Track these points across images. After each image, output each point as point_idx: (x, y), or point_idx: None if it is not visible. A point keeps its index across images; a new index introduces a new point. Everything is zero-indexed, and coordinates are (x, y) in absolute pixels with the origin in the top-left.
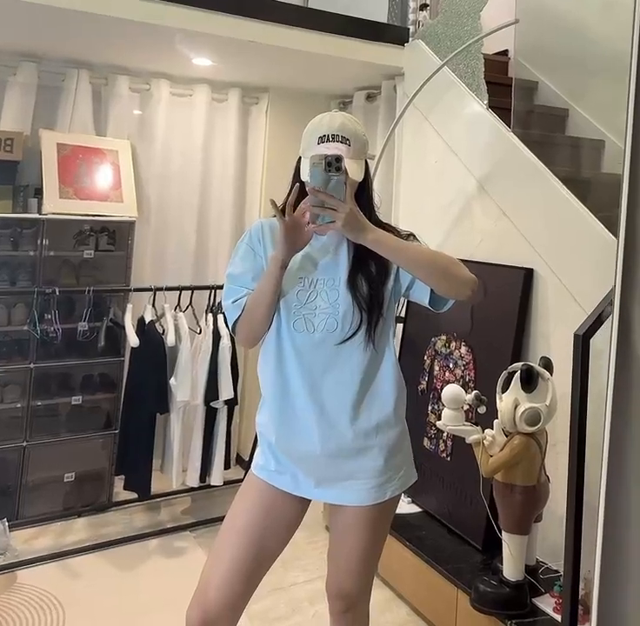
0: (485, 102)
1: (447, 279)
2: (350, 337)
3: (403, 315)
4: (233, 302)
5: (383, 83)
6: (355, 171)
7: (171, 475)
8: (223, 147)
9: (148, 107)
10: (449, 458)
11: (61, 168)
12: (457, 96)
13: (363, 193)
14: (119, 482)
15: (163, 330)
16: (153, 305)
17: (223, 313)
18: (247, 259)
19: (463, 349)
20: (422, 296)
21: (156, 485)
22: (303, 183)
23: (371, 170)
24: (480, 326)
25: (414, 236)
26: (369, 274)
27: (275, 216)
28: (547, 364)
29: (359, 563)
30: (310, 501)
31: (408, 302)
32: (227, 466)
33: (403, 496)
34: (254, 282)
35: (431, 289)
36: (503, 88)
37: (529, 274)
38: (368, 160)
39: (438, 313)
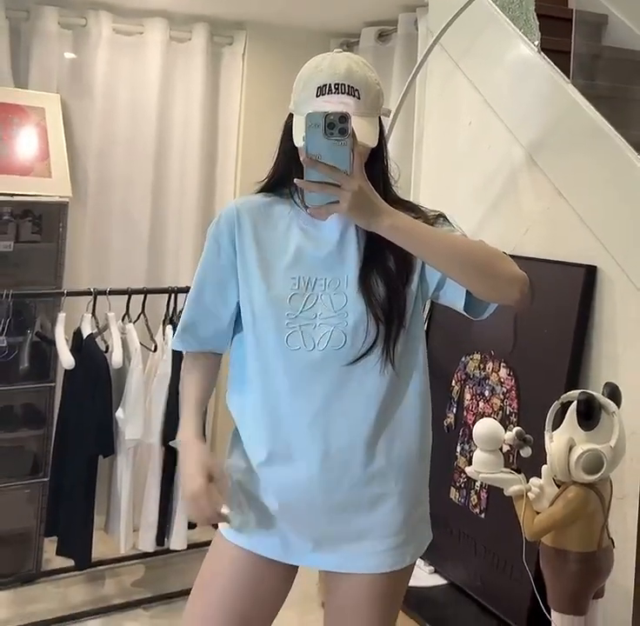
0: (537, 43)
1: (488, 278)
2: (362, 356)
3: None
4: (182, 329)
5: (400, 17)
6: (366, 133)
7: (119, 536)
8: (186, 104)
9: (83, 49)
10: (483, 515)
11: None
12: (500, 35)
13: (376, 163)
14: (50, 545)
15: (107, 347)
16: (93, 314)
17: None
18: (210, 263)
19: (503, 373)
20: (455, 298)
21: (99, 549)
22: (296, 149)
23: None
24: (525, 342)
25: (444, 217)
26: (386, 272)
27: (258, 191)
28: (613, 393)
29: None
30: (297, 567)
31: (430, 310)
32: (192, 525)
33: (422, 564)
34: (215, 294)
35: (467, 290)
36: (560, 23)
37: (591, 273)
38: (382, 117)
39: (476, 321)
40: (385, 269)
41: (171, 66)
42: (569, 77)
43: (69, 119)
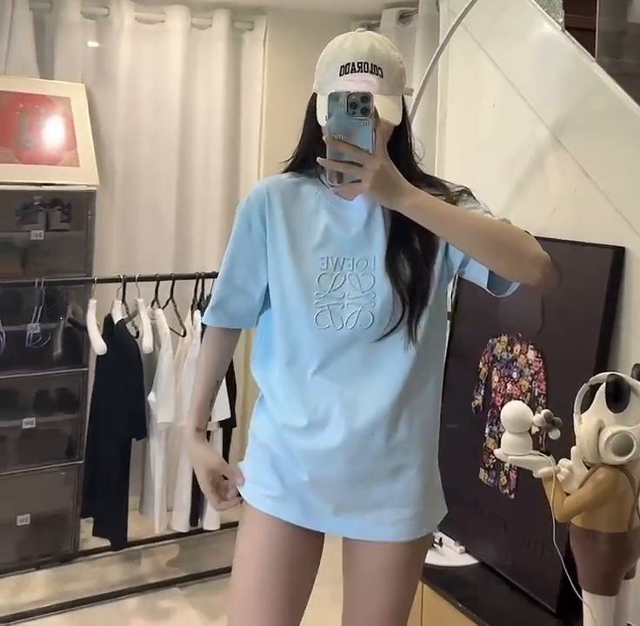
0: (560, 21)
1: (509, 258)
2: (388, 334)
3: (449, 309)
4: (214, 304)
5: None
6: (390, 111)
7: (153, 517)
8: (209, 89)
9: (106, 38)
10: (513, 496)
11: None
12: (522, 14)
13: (399, 141)
14: (87, 525)
15: (137, 333)
16: (123, 300)
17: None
18: (240, 240)
19: (531, 355)
20: (479, 275)
21: (135, 530)
22: (320, 128)
23: (409, 115)
24: (553, 324)
25: (468, 192)
26: (412, 252)
27: (283, 171)
28: None
29: (389, 623)
30: (323, 536)
31: (457, 293)
32: None
33: (452, 544)
34: (246, 271)
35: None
36: (584, 1)
37: (619, 254)
38: (405, 96)
39: (500, 298)
40: (411, 250)
41: (193, 53)
42: (594, 55)
43: (94, 108)
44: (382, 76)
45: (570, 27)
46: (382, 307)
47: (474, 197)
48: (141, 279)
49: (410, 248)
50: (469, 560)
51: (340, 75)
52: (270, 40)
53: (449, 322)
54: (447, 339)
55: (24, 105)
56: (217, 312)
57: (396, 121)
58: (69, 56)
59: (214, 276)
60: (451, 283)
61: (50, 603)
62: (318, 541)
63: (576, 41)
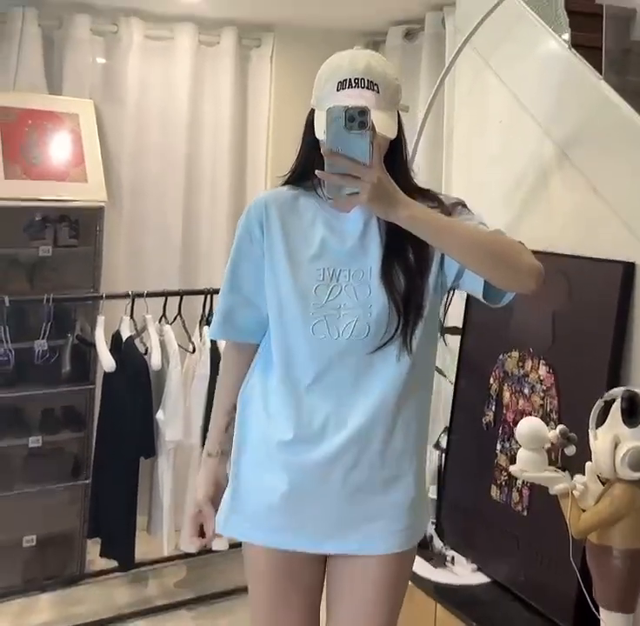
0: (567, 38)
1: (503, 268)
2: (383, 345)
3: (460, 325)
4: (221, 318)
5: (427, 16)
6: (386, 126)
7: (161, 537)
8: (216, 106)
9: (115, 55)
10: (525, 512)
11: (4, 139)
12: (529, 32)
13: (395, 155)
14: (94, 546)
15: (146, 349)
16: (131, 316)
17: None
18: (244, 251)
19: (543, 371)
20: (474, 286)
21: (142, 550)
22: (317, 143)
23: (416, 133)
24: (565, 339)
25: (463, 204)
26: (406, 264)
27: (282, 184)
28: None
29: None
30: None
31: (466, 310)
32: None
33: (465, 562)
34: (252, 282)
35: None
36: (590, 19)
37: (629, 269)
38: (400, 111)
39: (495, 308)
40: (406, 261)
41: (201, 70)
42: (601, 73)
43: (102, 124)
44: (378, 92)
45: (576, 44)
46: (378, 317)
47: (468, 209)
48: (149, 295)
49: (404, 259)
50: (481, 578)
51: (337, 90)
52: (277, 57)
53: (459, 338)
54: (437, 351)
55: (33, 121)
56: (225, 326)
57: (392, 135)
58: (77, 72)
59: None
60: (446, 296)
61: None
62: (320, 560)
63: (582, 58)
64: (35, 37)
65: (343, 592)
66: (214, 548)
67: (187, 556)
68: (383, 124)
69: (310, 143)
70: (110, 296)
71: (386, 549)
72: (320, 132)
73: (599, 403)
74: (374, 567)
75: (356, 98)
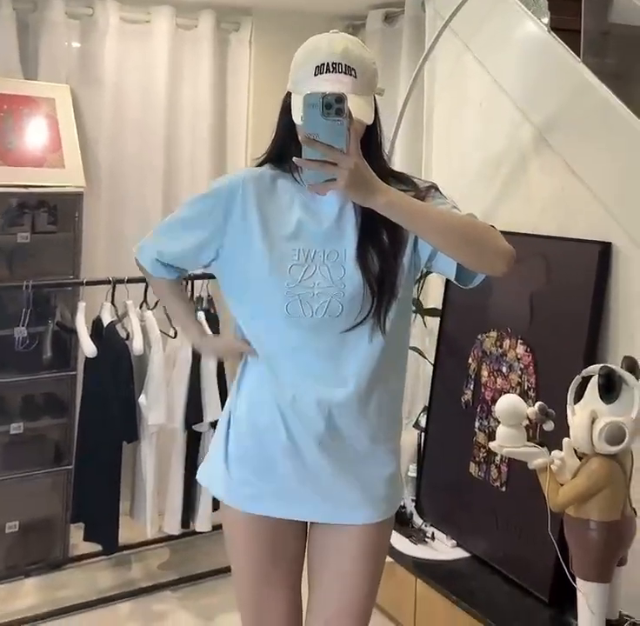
0: (546, 21)
1: (475, 251)
2: (357, 324)
3: (439, 306)
4: (154, 259)
5: (407, 0)
6: (363, 111)
7: (145, 520)
8: (194, 90)
9: (91, 39)
10: (503, 488)
11: None
12: (509, 15)
13: (371, 140)
14: (77, 531)
15: (128, 334)
16: (112, 302)
17: (144, 266)
18: (194, 224)
19: (521, 349)
20: (446, 268)
21: (125, 534)
22: (293, 126)
23: (396, 117)
24: (542, 318)
25: (436, 188)
26: (381, 246)
27: (257, 165)
28: (632, 366)
29: (359, 608)
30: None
31: (445, 291)
32: (216, 506)
33: (445, 538)
34: (191, 256)
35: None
36: (569, 2)
37: (606, 250)
38: (377, 96)
39: (465, 288)
40: (380, 244)
41: (179, 54)
42: (579, 55)
43: (79, 109)
44: (355, 77)
45: (555, 28)
46: (351, 297)
47: (441, 193)
48: (130, 281)
49: (379, 242)
50: (461, 553)
51: (315, 75)
52: (256, 40)
53: (438, 319)
54: (414, 331)
55: (8, 106)
56: (157, 266)
57: (369, 120)
58: (53, 56)
59: (203, 277)
60: (419, 277)
61: (41, 611)
62: (302, 529)
63: (561, 41)
64: (9, 21)
65: (323, 563)
66: (197, 529)
67: (170, 538)
68: (359, 109)
69: (286, 125)
70: (91, 282)
71: (366, 518)
72: (297, 117)
73: (577, 380)
74: (354, 537)
75: (333, 83)
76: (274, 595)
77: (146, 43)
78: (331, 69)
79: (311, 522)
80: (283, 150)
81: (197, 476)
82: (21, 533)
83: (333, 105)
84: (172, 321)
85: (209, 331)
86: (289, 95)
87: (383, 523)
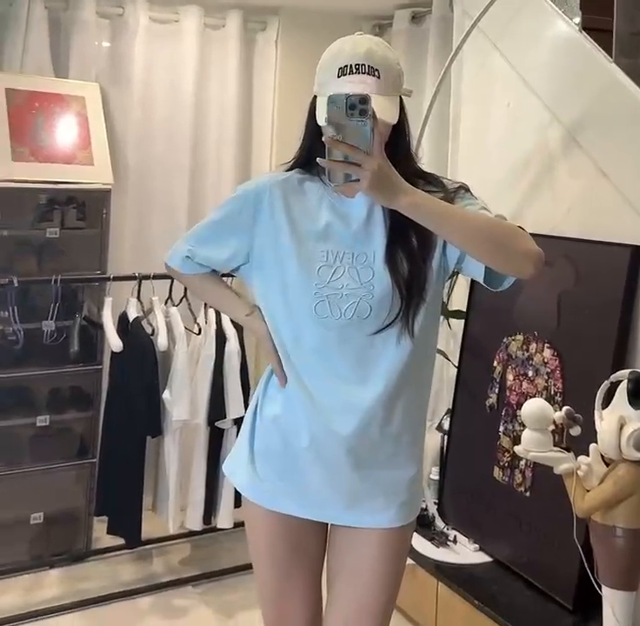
0: (577, 21)
1: (503, 254)
2: (385, 327)
3: (464, 308)
4: (184, 256)
5: None
6: (387, 111)
7: (167, 515)
8: (221, 89)
9: (121, 38)
10: (528, 493)
11: (12, 121)
12: (539, 14)
13: (398, 140)
14: (100, 524)
15: (153, 330)
16: (138, 298)
17: (175, 268)
18: (224, 228)
19: (547, 353)
20: (475, 271)
21: (148, 528)
22: (320, 129)
23: (422, 118)
24: (570, 322)
25: (466, 188)
26: (410, 249)
27: (289, 170)
28: None
29: (379, 607)
30: (326, 525)
31: (470, 293)
32: (238, 503)
33: (468, 542)
34: (222, 260)
35: None
36: (601, 1)
37: (636, 252)
38: (403, 96)
39: (496, 291)
40: (409, 247)
41: (206, 53)
42: (611, 56)
43: (108, 107)
44: (379, 77)
45: (586, 28)
46: (380, 298)
47: (471, 193)
48: (156, 277)
49: (408, 245)
50: (483, 558)
51: (338, 76)
52: (282, 40)
53: (463, 321)
54: (439, 334)
55: (40, 104)
56: (188, 262)
57: (393, 120)
58: (83, 55)
59: (227, 274)
60: (449, 280)
61: (63, 602)
62: (321, 529)
63: (593, 41)
64: (41, 20)
65: (344, 564)
66: (219, 526)
67: (192, 534)
68: (383, 110)
69: (312, 129)
70: (118, 278)
71: (388, 522)
72: (321, 119)
73: (605, 385)
74: (375, 541)
75: (356, 84)
76: (294, 592)
77: (174, 43)
78: (355, 71)
79: (332, 524)
80: (311, 154)
81: (223, 467)
82: (45, 524)
83: (357, 106)
84: (215, 307)
85: (256, 306)
86: (315, 98)
87: (405, 528)
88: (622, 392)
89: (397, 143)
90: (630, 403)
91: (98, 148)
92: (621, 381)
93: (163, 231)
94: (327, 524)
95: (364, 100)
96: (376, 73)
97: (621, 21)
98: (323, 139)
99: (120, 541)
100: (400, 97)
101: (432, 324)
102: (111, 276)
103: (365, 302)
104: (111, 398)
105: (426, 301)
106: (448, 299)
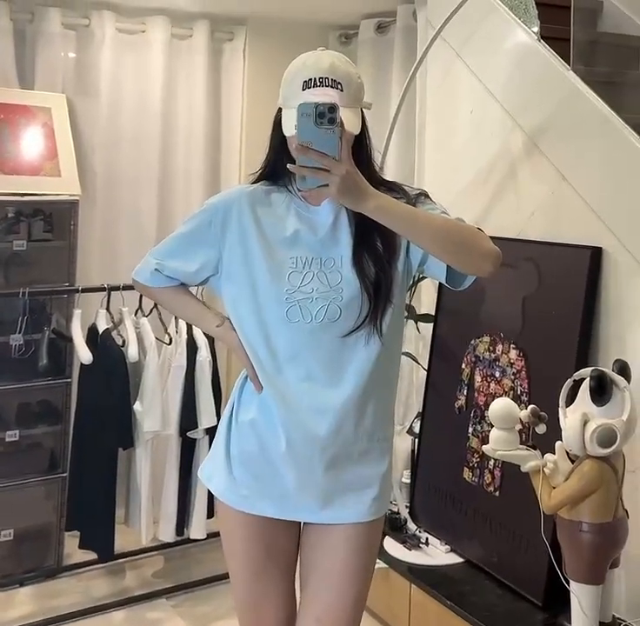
0: (536, 30)
1: (464, 253)
2: (355, 329)
3: (432, 312)
4: (153, 269)
5: (398, 9)
6: (350, 122)
7: (139, 528)
8: (189, 99)
9: (88, 49)
10: (497, 493)
11: None
12: (500, 24)
13: (360, 149)
14: (71, 540)
15: (123, 341)
16: (108, 309)
17: (142, 282)
18: (193, 240)
19: (513, 354)
20: (438, 271)
21: (120, 542)
22: (285, 142)
23: (388, 125)
24: (534, 323)
25: (425, 195)
26: (376, 251)
27: (253, 182)
28: (623, 369)
29: (350, 604)
30: (299, 523)
31: (438, 297)
32: (211, 513)
33: (439, 544)
34: (192, 272)
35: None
36: (559, 11)
37: (596, 254)
38: (364, 109)
39: (457, 291)
40: (375, 250)
41: (174, 63)
42: (569, 64)
43: (75, 118)
44: (341, 90)
45: (545, 36)
46: (348, 300)
47: (431, 199)
48: (125, 288)
49: (373, 248)
50: (455, 558)
51: (303, 89)
52: (250, 50)
53: (431, 325)
54: (408, 338)
55: (5, 116)
56: (157, 276)
57: (356, 130)
58: (49, 66)
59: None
60: (411, 281)
61: (35, 620)
62: (295, 527)
63: (551, 50)
64: (6, 31)
65: (316, 561)
66: (192, 537)
67: (165, 546)
68: (347, 121)
69: (277, 141)
70: (86, 290)
71: (360, 517)
72: (288, 129)
73: (569, 383)
74: (347, 536)
75: (320, 97)
76: (269, 592)
77: (142, 53)
78: (318, 84)
79: (305, 522)
80: (276, 166)
81: (199, 473)
82: (15, 541)
83: (326, 114)
84: (185, 320)
85: (226, 317)
86: (279, 111)
87: (374, 522)
88: (585, 390)
89: (360, 153)
90: (592, 400)
91: (65, 159)
92: (584, 379)
93: (131, 242)
94: (300, 523)
95: (333, 108)
96: (339, 86)
97: (578, 29)
98: (293, 146)
99: (92, 556)
100: (361, 109)
101: (398, 324)
102: (80, 288)
103: (335, 304)
104: (81, 410)
105: (393, 302)
106: (410, 301)
